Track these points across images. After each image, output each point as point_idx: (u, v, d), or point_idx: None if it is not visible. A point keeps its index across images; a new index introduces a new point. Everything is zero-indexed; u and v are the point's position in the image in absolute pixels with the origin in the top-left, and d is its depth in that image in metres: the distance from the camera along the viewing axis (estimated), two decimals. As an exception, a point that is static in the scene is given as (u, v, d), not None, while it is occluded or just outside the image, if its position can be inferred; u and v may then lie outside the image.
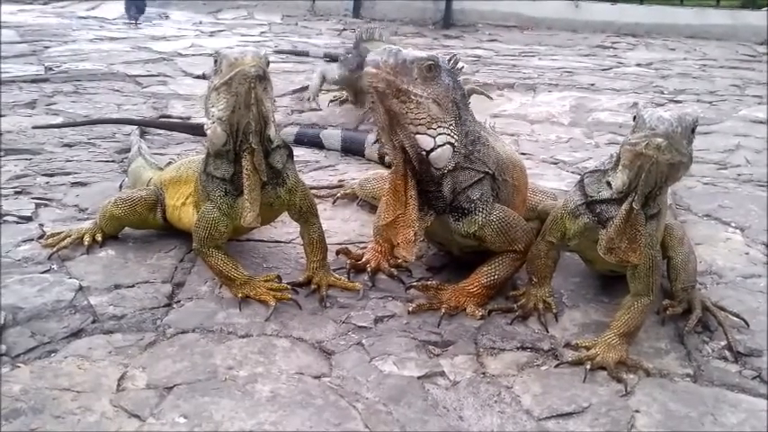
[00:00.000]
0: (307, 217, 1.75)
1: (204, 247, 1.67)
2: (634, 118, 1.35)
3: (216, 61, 1.52)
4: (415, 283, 1.73)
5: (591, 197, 1.50)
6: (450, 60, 1.59)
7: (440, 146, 1.53)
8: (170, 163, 2.13)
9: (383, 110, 1.49)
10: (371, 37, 3.38)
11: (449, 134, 1.54)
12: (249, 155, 1.58)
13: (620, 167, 1.41)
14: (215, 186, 1.64)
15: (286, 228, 2.04)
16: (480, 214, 1.63)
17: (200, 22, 6.66)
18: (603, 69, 5.30)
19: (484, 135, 1.68)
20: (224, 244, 1.70)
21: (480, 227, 1.63)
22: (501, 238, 1.65)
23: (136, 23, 6.19)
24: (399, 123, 1.50)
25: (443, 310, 1.63)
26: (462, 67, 1.66)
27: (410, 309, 1.65)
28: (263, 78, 1.49)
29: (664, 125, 1.28)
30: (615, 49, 6.48)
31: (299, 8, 7.81)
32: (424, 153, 1.53)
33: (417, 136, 1.51)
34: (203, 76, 4.30)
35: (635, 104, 3.99)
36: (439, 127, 1.52)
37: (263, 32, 6.32)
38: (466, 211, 1.63)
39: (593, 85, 4.65)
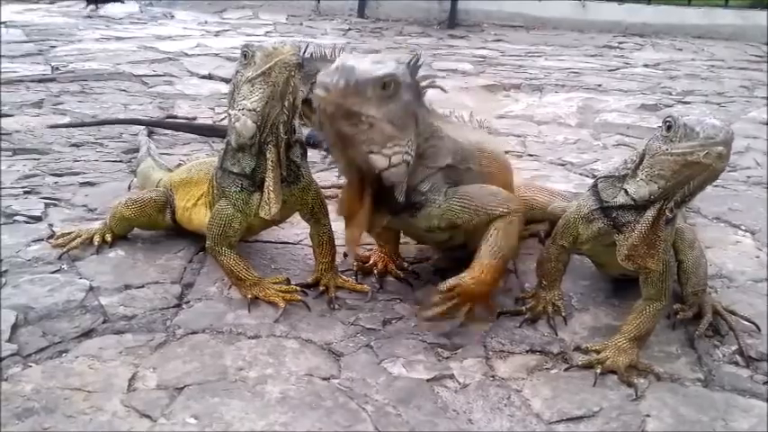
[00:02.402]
0: (318, 217, 1.76)
1: (218, 246, 1.68)
2: (668, 127, 1.33)
3: (245, 55, 1.54)
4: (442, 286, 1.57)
5: (606, 202, 1.51)
6: (411, 63, 1.47)
7: (394, 165, 1.43)
8: (180, 165, 2.15)
9: (333, 131, 1.39)
10: (323, 56, 3.07)
11: (405, 152, 1.44)
12: (275, 147, 1.60)
13: (644, 175, 1.40)
14: (231, 182, 1.66)
15: (294, 229, 2.05)
16: (433, 205, 1.57)
17: (206, 22, 6.68)
18: (610, 70, 5.29)
19: (439, 127, 1.60)
20: (236, 243, 1.71)
21: (440, 217, 1.58)
22: (470, 212, 1.57)
23: (96, 7, 6.19)
24: (351, 144, 1.41)
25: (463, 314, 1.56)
26: (422, 62, 1.61)
27: (425, 314, 1.57)
28: (301, 67, 1.52)
29: (721, 133, 1.27)
30: (622, 49, 6.47)
31: (304, 8, 7.82)
32: (376, 171, 1.44)
33: (370, 155, 1.41)
34: (209, 76, 4.33)
35: (642, 106, 4.01)
36: (395, 146, 1.41)
37: (268, 32, 6.34)
38: (419, 206, 1.58)
39: (600, 85, 4.65)
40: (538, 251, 1.97)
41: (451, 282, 1.55)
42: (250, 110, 1.54)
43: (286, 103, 1.56)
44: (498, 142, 2.00)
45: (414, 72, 1.47)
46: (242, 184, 1.65)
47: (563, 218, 1.64)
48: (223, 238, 1.67)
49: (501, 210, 1.57)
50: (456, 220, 1.58)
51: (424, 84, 1.52)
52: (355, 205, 1.52)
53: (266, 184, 1.62)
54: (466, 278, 1.55)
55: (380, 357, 1.49)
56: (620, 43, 6.80)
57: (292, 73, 1.52)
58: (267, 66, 1.50)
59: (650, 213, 1.41)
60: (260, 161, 1.62)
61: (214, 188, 1.74)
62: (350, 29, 6.96)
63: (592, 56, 5.98)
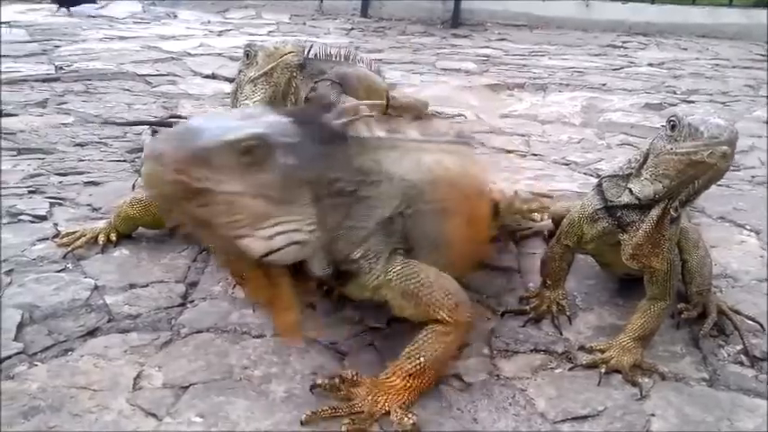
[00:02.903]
0: None
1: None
2: (672, 126, 1.33)
3: (248, 54, 1.55)
4: (320, 382, 1.33)
5: (610, 202, 1.51)
6: (302, 115, 1.21)
7: (278, 249, 1.14)
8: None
9: (181, 214, 1.10)
10: (327, 55, 2.95)
11: (293, 230, 1.15)
12: None
13: (648, 175, 1.40)
14: None
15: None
16: (369, 275, 1.28)
17: (209, 22, 6.69)
18: (615, 69, 5.29)
19: (375, 167, 1.29)
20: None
21: (374, 291, 1.30)
22: (409, 302, 1.29)
23: (68, 10, 6.23)
24: (210, 229, 1.11)
25: (351, 421, 1.24)
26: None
27: (303, 418, 1.25)
28: (303, 67, 1.53)
29: (726, 133, 1.27)
30: (626, 48, 6.47)
31: (307, 7, 7.83)
32: (254, 258, 1.15)
33: (239, 241, 1.12)
34: (213, 76, 4.33)
35: (647, 105, 4.00)
36: (275, 225, 1.13)
37: (270, 32, 6.35)
38: (350, 275, 1.29)
39: (604, 85, 4.64)
40: (542, 250, 1.98)
41: (346, 374, 1.34)
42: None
43: (288, 103, 1.57)
44: (465, 153, 1.56)
45: (312, 122, 1.20)
46: None
47: (567, 217, 1.65)
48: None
49: (444, 316, 1.29)
50: (390, 300, 1.32)
51: (343, 121, 1.25)
52: (266, 289, 1.23)
53: None
54: (376, 378, 1.33)
55: (385, 356, 1.49)
56: (624, 42, 6.80)
57: (294, 73, 1.53)
58: (269, 66, 1.51)
59: (655, 213, 1.41)
60: None
61: None
62: (353, 28, 6.97)
63: (596, 55, 5.98)
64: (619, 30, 7.47)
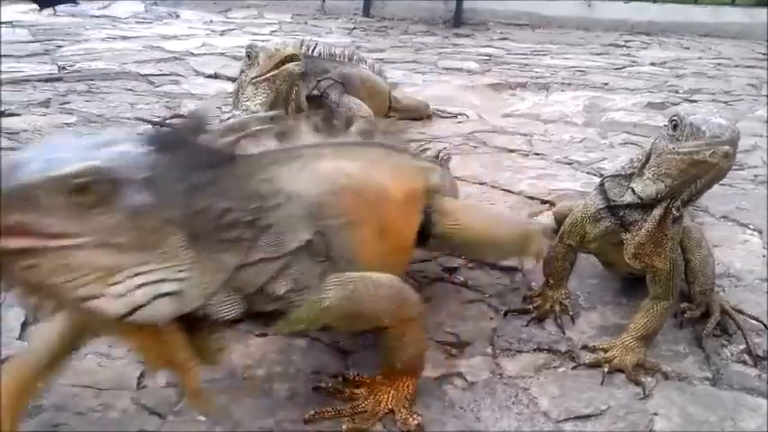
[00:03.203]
0: None
1: None
2: (674, 126, 1.33)
3: (249, 55, 1.56)
4: (323, 385, 1.34)
5: (613, 201, 1.51)
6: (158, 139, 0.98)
7: (142, 305, 0.92)
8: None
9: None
10: (331, 54, 2.90)
11: (157, 281, 0.93)
12: None
13: (651, 174, 1.41)
14: None
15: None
16: (302, 309, 1.13)
17: (211, 21, 6.69)
18: (617, 68, 5.28)
19: (274, 191, 1.11)
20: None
21: (312, 321, 1.17)
22: (353, 322, 1.22)
23: (54, 11, 6.24)
24: (46, 294, 0.89)
25: (351, 420, 1.24)
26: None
27: (306, 416, 1.25)
28: (305, 74, 1.54)
29: (727, 132, 1.27)
30: (628, 47, 6.46)
31: (309, 7, 7.83)
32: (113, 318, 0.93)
33: (87, 304, 0.90)
34: (215, 76, 4.34)
35: (649, 104, 4.00)
36: (133, 277, 0.91)
37: (273, 31, 6.35)
38: (275, 314, 1.12)
39: (606, 84, 4.64)
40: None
41: (348, 374, 1.33)
42: (254, 111, 1.56)
43: (291, 106, 1.58)
44: (379, 152, 1.44)
45: (183, 145, 0.99)
46: None
47: (570, 216, 1.65)
48: None
49: (392, 322, 1.22)
50: (334, 325, 1.23)
51: (228, 140, 1.07)
52: (158, 351, 1.02)
53: None
54: (374, 378, 1.31)
55: (388, 355, 1.50)
56: (626, 42, 6.79)
57: (294, 75, 1.53)
58: (270, 69, 1.51)
59: (657, 212, 1.41)
60: None
61: None
62: (355, 28, 6.96)
63: (598, 54, 5.97)
64: (621, 29, 7.45)
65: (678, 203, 1.40)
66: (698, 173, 1.34)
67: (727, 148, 1.27)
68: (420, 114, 3.58)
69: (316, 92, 2.60)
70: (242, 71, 1.61)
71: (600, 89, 4.48)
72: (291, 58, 1.52)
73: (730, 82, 4.87)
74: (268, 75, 1.52)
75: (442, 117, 3.63)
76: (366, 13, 7.72)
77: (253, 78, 1.55)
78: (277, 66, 1.52)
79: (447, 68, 5.03)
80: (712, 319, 1.60)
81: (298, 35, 6.16)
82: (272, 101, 1.54)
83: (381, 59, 5.23)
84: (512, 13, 7.73)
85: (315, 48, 2.95)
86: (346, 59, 3.19)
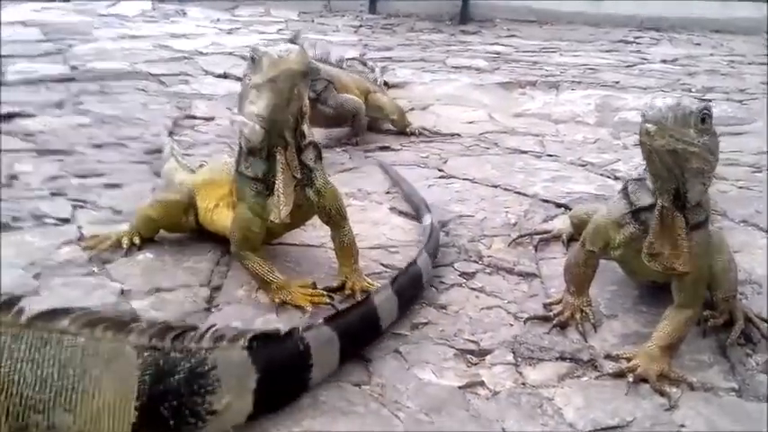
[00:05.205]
0: (336, 220, 1.77)
1: (241, 250, 1.70)
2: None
3: (253, 58, 1.54)
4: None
5: (635, 205, 1.50)
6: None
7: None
8: (202, 165, 2.16)
9: None
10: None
11: None
12: (283, 150, 1.61)
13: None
14: (246, 186, 1.68)
15: (316, 231, 2.05)
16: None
17: (218, 20, 6.67)
18: (628, 66, 5.24)
19: None
20: (259, 247, 1.73)
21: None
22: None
23: None
24: None
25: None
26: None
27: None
28: (305, 75, 1.52)
29: (653, 111, 1.31)
30: (638, 44, 6.40)
31: (315, 5, 7.79)
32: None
33: None
34: (224, 75, 4.32)
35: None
36: None
37: (280, 30, 6.32)
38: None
39: (617, 82, 4.60)
40: (561, 255, 1.98)
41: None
42: (257, 115, 1.55)
43: (291, 109, 1.57)
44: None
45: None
46: (257, 188, 1.67)
47: (592, 222, 1.63)
48: (245, 242, 1.70)
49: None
50: None
51: None
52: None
53: (276, 187, 1.63)
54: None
55: (410, 363, 1.50)
56: (636, 38, 6.73)
57: (296, 82, 1.52)
58: (272, 74, 1.50)
59: (657, 206, 1.42)
60: (271, 165, 1.64)
61: (234, 191, 1.76)
62: (361, 25, 6.94)
63: (608, 51, 5.92)
64: (630, 25, 7.39)
65: (666, 197, 1.40)
66: (647, 156, 1.38)
67: (648, 126, 1.30)
68: (396, 123, 3.31)
69: (312, 94, 2.62)
70: (245, 75, 1.60)
71: (611, 88, 4.44)
72: (296, 64, 1.50)
73: (744, 80, 4.82)
74: (269, 76, 1.50)
75: (427, 138, 3.25)
76: (372, 10, 7.68)
77: (256, 83, 1.53)
78: (280, 71, 1.50)
79: (455, 67, 5.01)
80: (736, 327, 1.59)
81: (304, 33, 6.15)
82: (274, 103, 1.53)
83: (389, 58, 5.24)
84: (519, 9, 7.68)
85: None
86: (335, 61, 3.25)
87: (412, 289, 1.70)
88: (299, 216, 1.72)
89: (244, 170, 1.67)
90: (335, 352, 1.41)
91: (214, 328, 1.24)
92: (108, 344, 1.11)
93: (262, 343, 1.26)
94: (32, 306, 1.12)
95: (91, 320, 1.12)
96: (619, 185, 2.62)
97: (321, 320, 1.40)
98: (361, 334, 1.51)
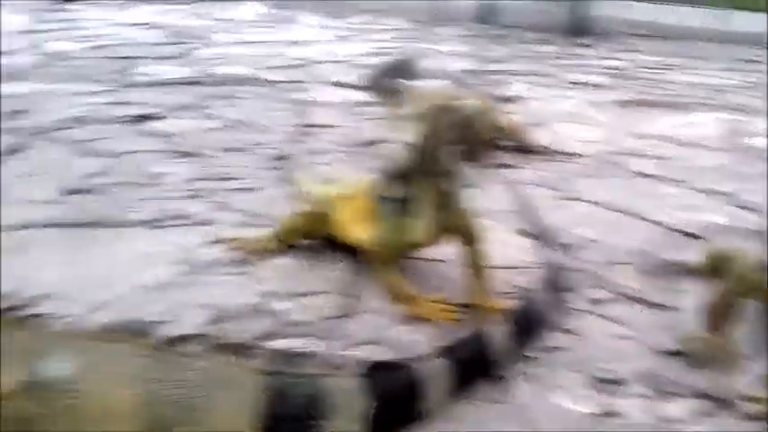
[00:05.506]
0: (470, 240, 1.86)
1: (378, 264, 1.83)
2: None
3: (405, 89, 1.67)
4: None
5: None
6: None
7: None
8: (332, 178, 2.33)
9: None
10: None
11: None
12: (430, 176, 1.73)
13: None
14: (388, 206, 1.80)
15: (446, 248, 2.14)
16: None
17: (329, 27, 6.96)
18: (756, 88, 5.04)
19: None
20: (397, 261, 1.85)
21: None
22: None
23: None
24: None
25: None
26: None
27: None
28: (458, 111, 1.64)
29: None
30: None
31: (425, 13, 7.95)
32: None
33: None
34: (340, 84, 4.52)
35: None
36: None
37: (393, 38, 6.52)
38: None
39: (746, 105, 4.44)
40: (697, 287, 1.97)
41: None
42: (409, 143, 1.68)
43: (444, 141, 1.68)
44: None
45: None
46: (397, 209, 1.79)
47: (737, 260, 1.64)
48: (383, 257, 1.83)
49: None
50: None
51: None
52: None
53: (417, 209, 1.76)
54: None
55: (543, 387, 1.56)
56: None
57: (452, 116, 1.64)
58: (427, 107, 1.62)
59: None
60: (414, 188, 1.76)
61: (374, 207, 1.89)
62: (471, 35, 7.02)
63: (736, 71, 5.71)
64: (759, 43, 7.06)
65: None
66: None
67: None
68: (514, 139, 3.29)
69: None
70: (394, 99, 1.73)
71: (739, 111, 4.29)
72: (447, 109, 1.62)
73: None
74: (423, 109, 1.62)
75: (547, 156, 3.27)
76: (483, 20, 7.74)
77: (408, 112, 1.66)
78: (431, 111, 1.62)
79: (571, 82, 5.00)
80: None
81: (415, 42, 6.31)
82: (425, 133, 1.65)
83: (501, 71, 5.29)
84: (638, 22, 7.51)
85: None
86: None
87: (533, 322, 1.76)
88: (436, 236, 1.83)
89: (386, 191, 1.81)
90: (453, 381, 1.47)
91: (333, 353, 1.35)
92: (234, 368, 1.24)
93: (378, 371, 1.35)
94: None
95: (219, 345, 1.26)
96: (752, 217, 2.59)
97: (437, 350, 1.48)
98: (478, 365, 1.57)
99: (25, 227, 2.21)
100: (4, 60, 4.54)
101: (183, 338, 1.19)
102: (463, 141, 1.73)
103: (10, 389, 1.00)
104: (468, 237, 1.85)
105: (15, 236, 2.16)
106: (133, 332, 1.16)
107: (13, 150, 2.96)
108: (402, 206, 1.78)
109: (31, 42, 5.17)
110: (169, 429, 1.16)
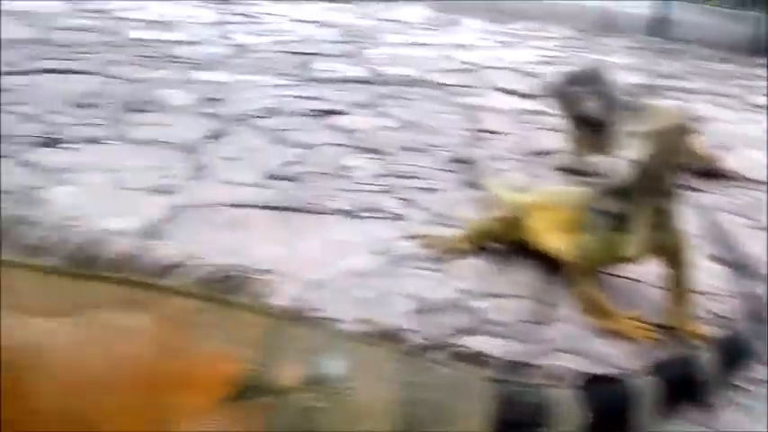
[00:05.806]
0: (679, 261, 1.88)
1: (579, 275, 1.90)
2: None
3: (636, 105, 1.73)
4: None
5: None
6: None
7: None
8: (522, 186, 2.42)
9: None
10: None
11: None
12: (650, 194, 1.78)
13: None
14: (601, 220, 1.86)
15: (644, 266, 2.15)
16: None
17: (494, 32, 7.04)
18: None
19: None
20: (596, 275, 1.91)
21: None
22: None
23: None
24: None
25: None
26: None
27: None
28: (689, 133, 1.68)
29: None
30: None
31: (593, 22, 7.81)
32: None
33: None
34: (510, 91, 4.60)
35: None
36: None
37: (556, 46, 6.50)
38: None
39: None
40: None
41: None
42: (633, 159, 1.72)
43: (672, 160, 1.72)
44: None
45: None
46: (610, 224, 1.84)
47: None
48: (585, 269, 1.89)
49: None
50: None
51: None
52: None
53: (632, 226, 1.80)
54: None
55: (754, 419, 1.57)
56: None
57: (681, 139, 1.67)
58: (661, 126, 1.66)
59: None
60: (631, 205, 1.81)
61: (581, 220, 1.95)
62: (640, 47, 6.84)
63: None
64: None
65: None
66: None
67: None
68: (703, 162, 3.21)
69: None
70: (620, 114, 1.77)
71: None
72: (680, 129, 1.65)
73: None
74: (657, 128, 1.66)
75: (737, 183, 3.23)
76: (654, 32, 7.49)
77: (639, 131, 1.70)
78: (669, 134, 1.66)
79: (756, 105, 4.75)
80: None
81: (582, 52, 6.25)
82: (654, 153, 1.69)
83: (677, 87, 5.12)
84: (835, 43, 6.92)
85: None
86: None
87: (741, 351, 1.74)
88: (645, 254, 1.88)
89: (600, 204, 1.87)
90: (663, 400, 1.47)
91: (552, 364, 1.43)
92: (469, 374, 1.32)
93: (594, 384, 1.40)
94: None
95: (456, 353, 1.35)
96: None
97: (648, 368, 1.49)
98: (688, 387, 1.58)
99: (240, 206, 2.50)
100: (198, 49, 5.07)
101: (429, 347, 1.31)
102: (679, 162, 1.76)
103: (296, 382, 1.11)
104: (677, 258, 1.88)
105: (228, 213, 2.45)
106: (389, 338, 1.28)
107: (217, 135, 3.32)
108: (615, 221, 1.84)
109: (219, 33, 5.70)
110: (418, 429, 1.26)
